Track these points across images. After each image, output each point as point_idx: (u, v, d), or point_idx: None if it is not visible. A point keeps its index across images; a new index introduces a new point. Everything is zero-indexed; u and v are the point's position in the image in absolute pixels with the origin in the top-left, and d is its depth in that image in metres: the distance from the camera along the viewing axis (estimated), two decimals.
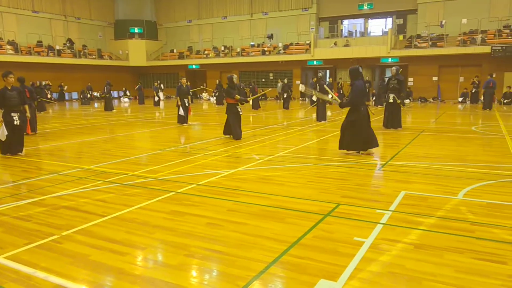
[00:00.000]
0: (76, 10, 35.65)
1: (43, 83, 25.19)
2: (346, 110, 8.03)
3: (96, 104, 28.74)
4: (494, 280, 2.92)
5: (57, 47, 32.48)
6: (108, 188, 5.54)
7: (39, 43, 31.86)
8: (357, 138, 7.79)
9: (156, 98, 26.19)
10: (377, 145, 7.93)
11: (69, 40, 34.52)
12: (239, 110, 10.07)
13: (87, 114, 20.27)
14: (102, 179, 6.07)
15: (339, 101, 8.16)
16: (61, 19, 34.68)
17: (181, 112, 13.45)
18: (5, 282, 2.93)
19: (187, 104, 13.56)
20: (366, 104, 7.91)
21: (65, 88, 32.17)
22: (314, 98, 15.07)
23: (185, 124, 13.50)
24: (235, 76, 10.28)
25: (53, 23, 34.04)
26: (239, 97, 9.91)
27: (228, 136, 10.30)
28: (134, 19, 38.95)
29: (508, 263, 3.18)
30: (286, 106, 21.25)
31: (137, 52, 37.80)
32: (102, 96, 23.06)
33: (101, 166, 7.01)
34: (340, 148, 8.07)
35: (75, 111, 22.80)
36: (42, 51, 31.23)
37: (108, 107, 21.22)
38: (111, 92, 21.89)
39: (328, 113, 16.23)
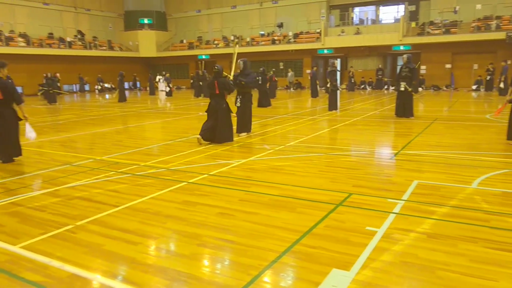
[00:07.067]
0: (86, 2, 35.77)
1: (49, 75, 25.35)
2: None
3: (107, 95, 28.92)
4: (509, 269, 2.88)
5: (68, 39, 32.68)
6: (121, 179, 5.59)
7: (50, 35, 32.10)
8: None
9: (167, 89, 26.29)
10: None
11: (80, 32, 34.70)
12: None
13: (99, 105, 20.42)
14: (114, 169, 6.13)
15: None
16: (72, 11, 34.85)
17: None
18: (22, 271, 2.99)
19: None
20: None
21: (85, 79, 32.45)
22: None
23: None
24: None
25: (64, 15, 34.23)
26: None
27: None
28: (143, 10, 38.90)
29: None
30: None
31: (147, 43, 37.83)
32: (115, 87, 23.19)
33: (113, 157, 7.07)
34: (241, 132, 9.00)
35: (88, 102, 22.97)
36: (53, 43, 31.47)
37: (121, 98, 21.34)
38: (124, 83, 22.00)
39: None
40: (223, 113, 8.09)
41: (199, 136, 8.01)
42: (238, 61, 9.03)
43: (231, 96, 8.45)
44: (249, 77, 8.86)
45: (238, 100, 8.91)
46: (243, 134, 9.02)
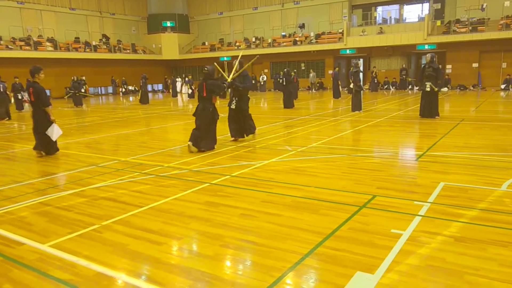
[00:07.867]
0: (111, 6, 36.57)
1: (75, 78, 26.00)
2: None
3: (131, 97, 29.44)
4: None
5: (94, 43, 33.46)
6: (145, 180, 5.68)
7: (77, 40, 32.95)
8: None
9: (190, 91, 26.64)
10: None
11: (105, 36, 35.49)
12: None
13: (123, 107, 20.81)
14: (139, 170, 6.23)
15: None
16: (97, 16, 35.67)
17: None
18: (51, 270, 3.07)
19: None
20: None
21: (117, 81, 33.33)
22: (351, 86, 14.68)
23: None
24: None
25: (89, 19, 35.07)
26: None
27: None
28: (166, 13, 39.45)
29: None
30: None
31: (169, 46, 38.33)
32: (138, 89, 23.64)
33: (137, 158, 7.19)
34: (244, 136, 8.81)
35: (112, 104, 23.44)
36: (80, 47, 32.29)
37: (144, 100, 21.69)
38: (147, 85, 22.36)
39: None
40: (207, 118, 7.67)
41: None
42: (234, 62, 8.60)
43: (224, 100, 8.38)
44: (246, 81, 8.58)
45: (234, 102, 8.56)
46: (252, 135, 8.90)
